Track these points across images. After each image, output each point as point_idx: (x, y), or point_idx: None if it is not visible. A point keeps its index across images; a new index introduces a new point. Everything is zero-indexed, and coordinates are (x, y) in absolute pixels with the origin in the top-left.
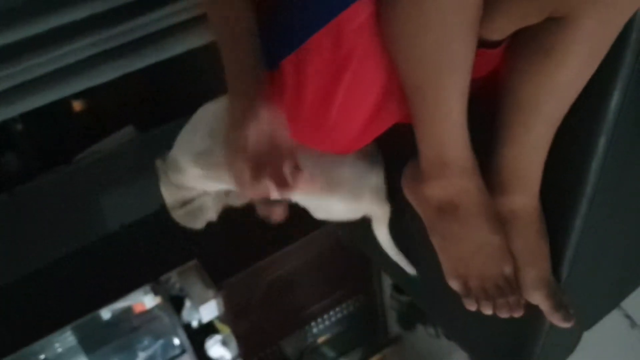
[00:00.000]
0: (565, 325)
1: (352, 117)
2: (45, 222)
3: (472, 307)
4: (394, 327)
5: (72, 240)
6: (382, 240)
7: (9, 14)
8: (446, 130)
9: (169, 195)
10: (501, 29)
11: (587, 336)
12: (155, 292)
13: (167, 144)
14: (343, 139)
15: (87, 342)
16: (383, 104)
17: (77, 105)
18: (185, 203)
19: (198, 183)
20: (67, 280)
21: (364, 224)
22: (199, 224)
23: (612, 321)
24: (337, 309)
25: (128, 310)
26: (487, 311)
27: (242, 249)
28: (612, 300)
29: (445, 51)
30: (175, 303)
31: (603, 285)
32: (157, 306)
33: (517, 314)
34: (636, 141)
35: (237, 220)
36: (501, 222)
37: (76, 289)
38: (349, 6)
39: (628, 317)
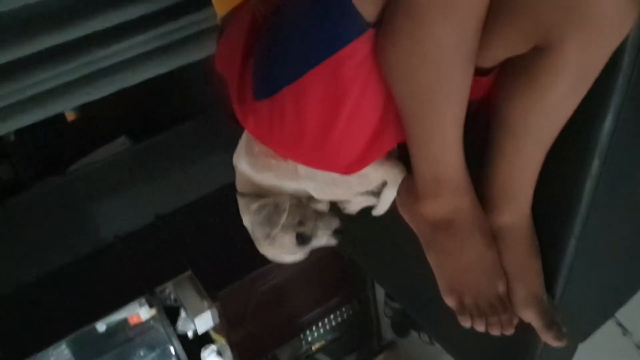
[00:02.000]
0: (558, 344)
1: (353, 141)
2: (39, 234)
3: (466, 324)
4: (388, 334)
5: (66, 252)
6: (386, 203)
7: (4, 33)
8: (443, 154)
9: (250, 220)
10: (492, 57)
11: (579, 344)
12: (150, 304)
13: (160, 154)
14: (344, 161)
15: (83, 355)
16: (383, 128)
17: (70, 115)
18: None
19: (265, 180)
20: (62, 293)
21: (357, 235)
22: (290, 249)
23: (604, 329)
24: (332, 316)
25: (123, 322)
26: (480, 328)
27: (236, 259)
28: (607, 311)
29: (444, 83)
30: (171, 314)
31: (597, 299)
32: (152, 317)
33: (508, 332)
34: (629, 161)
35: (230, 230)
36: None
37: (71, 301)
38: (348, 44)
39: (620, 325)
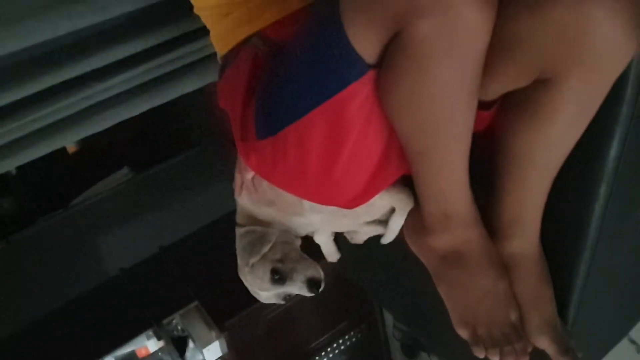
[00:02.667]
0: None
1: (356, 176)
2: (44, 269)
3: (480, 354)
4: (398, 356)
5: (72, 287)
6: (394, 229)
7: (6, 74)
8: (449, 189)
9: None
10: (493, 91)
11: None
12: (158, 336)
13: (163, 184)
14: (348, 195)
15: None
16: (387, 161)
17: (71, 147)
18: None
19: (266, 214)
20: (68, 328)
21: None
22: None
23: (618, 347)
24: (341, 341)
25: (132, 355)
26: (495, 358)
27: (242, 287)
28: (621, 331)
29: (448, 122)
30: (179, 345)
31: (610, 320)
32: (160, 350)
33: None
34: (636, 185)
35: (235, 260)
36: (505, 267)
37: (78, 337)
38: (348, 86)
39: (633, 342)
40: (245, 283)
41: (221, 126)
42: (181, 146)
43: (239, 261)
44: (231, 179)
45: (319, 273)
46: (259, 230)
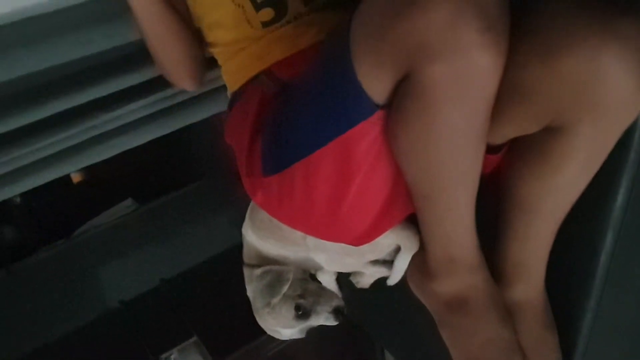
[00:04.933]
0: None
1: (363, 214)
2: (44, 299)
3: None
4: None
5: (71, 318)
6: (399, 270)
7: (13, 100)
8: (455, 232)
9: (252, 288)
10: (501, 136)
11: None
12: None
13: (166, 216)
14: (354, 233)
15: None
16: (393, 200)
17: (76, 177)
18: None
19: (273, 250)
20: None
21: (364, 301)
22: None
23: None
24: None
25: None
26: None
27: (242, 323)
28: None
29: (456, 165)
30: None
31: None
32: None
33: None
34: None
35: (236, 295)
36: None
37: None
38: (356, 125)
39: None
40: (263, 324)
41: (225, 159)
42: (185, 178)
43: (257, 303)
44: (234, 211)
45: (341, 301)
46: (275, 269)
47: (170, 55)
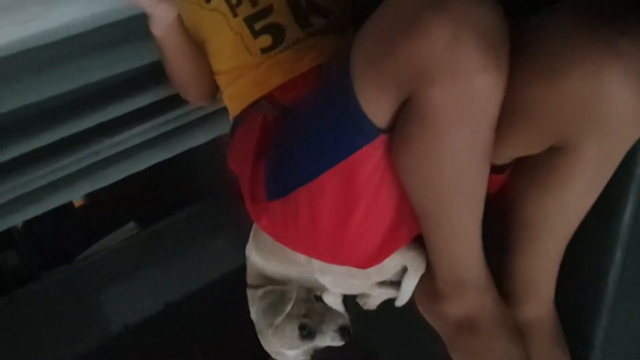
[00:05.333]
0: None
1: (369, 237)
2: (46, 326)
3: None
4: None
5: (75, 345)
6: (407, 291)
7: (17, 127)
8: (462, 254)
9: (256, 309)
10: (506, 156)
11: None
12: None
13: (169, 239)
14: (360, 256)
15: None
16: (399, 223)
17: (77, 201)
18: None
19: (277, 271)
20: None
21: (370, 321)
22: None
23: None
24: None
25: None
26: None
27: (248, 346)
28: None
29: (461, 187)
30: None
31: None
32: None
33: None
34: None
35: (242, 316)
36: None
37: None
38: (359, 149)
39: None
40: (267, 346)
41: (227, 179)
42: (187, 200)
43: (260, 324)
44: (237, 232)
45: (347, 320)
46: (278, 289)
47: (189, 75)
